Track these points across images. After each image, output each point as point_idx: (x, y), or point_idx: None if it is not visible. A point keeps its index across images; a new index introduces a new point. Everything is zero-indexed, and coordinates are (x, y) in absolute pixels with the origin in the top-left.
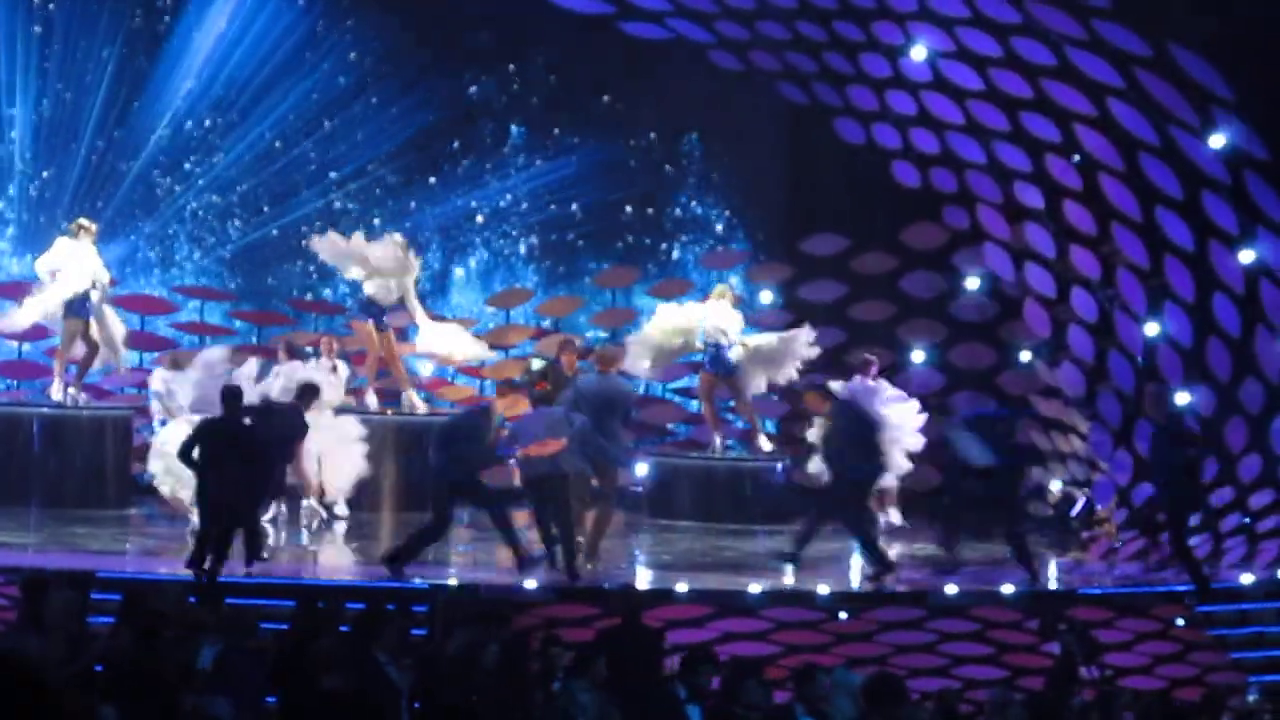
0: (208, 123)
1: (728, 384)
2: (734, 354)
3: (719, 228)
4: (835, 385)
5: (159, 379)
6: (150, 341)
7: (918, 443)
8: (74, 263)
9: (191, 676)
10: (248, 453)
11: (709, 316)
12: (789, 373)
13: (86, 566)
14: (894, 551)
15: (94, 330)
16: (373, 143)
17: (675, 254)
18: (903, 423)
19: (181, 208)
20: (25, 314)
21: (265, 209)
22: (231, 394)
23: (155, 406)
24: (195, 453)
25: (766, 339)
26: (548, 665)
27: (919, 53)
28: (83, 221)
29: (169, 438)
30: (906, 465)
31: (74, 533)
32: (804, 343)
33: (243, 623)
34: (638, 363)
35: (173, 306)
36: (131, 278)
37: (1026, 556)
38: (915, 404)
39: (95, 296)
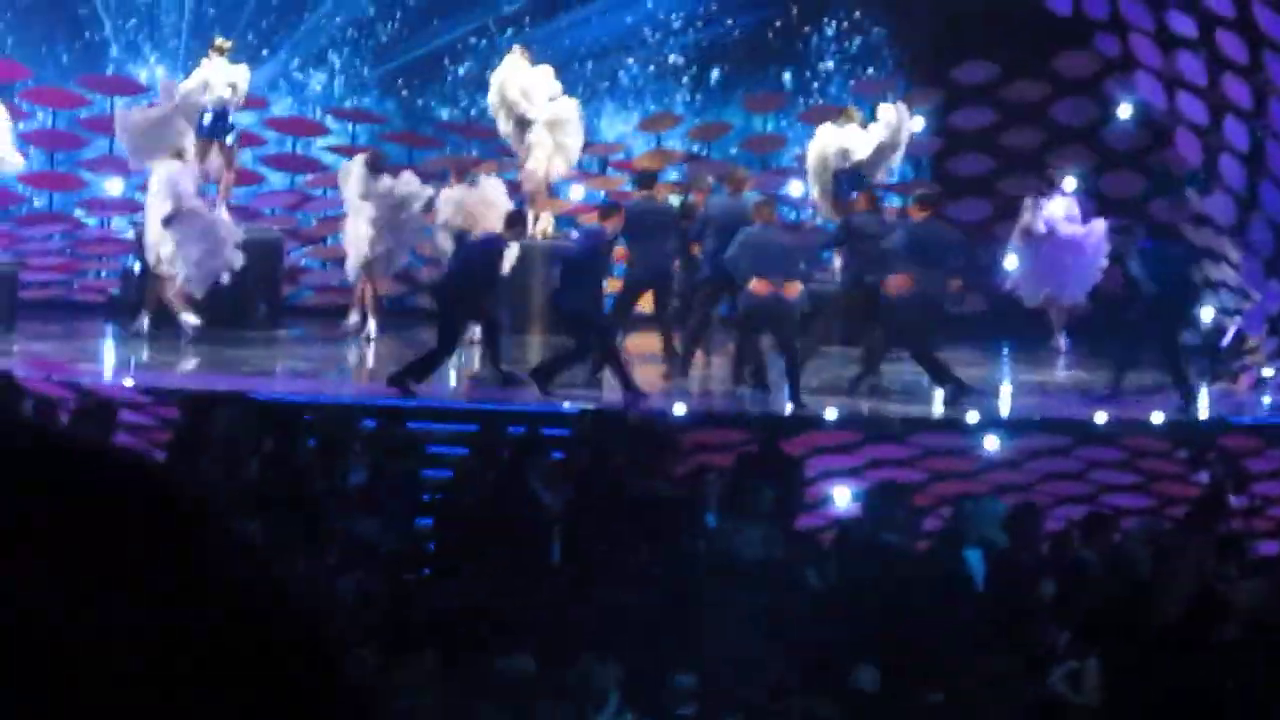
0: None
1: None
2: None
3: (871, 54)
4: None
5: None
6: (302, 164)
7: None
8: (196, 82)
9: (339, 496)
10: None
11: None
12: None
13: (239, 388)
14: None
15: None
16: None
17: (826, 81)
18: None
19: (333, 28)
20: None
21: (412, 31)
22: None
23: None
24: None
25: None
26: (697, 495)
27: None
28: (217, 40)
29: None
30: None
31: (224, 354)
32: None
33: (395, 445)
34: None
35: (324, 129)
36: (284, 98)
37: (1184, 382)
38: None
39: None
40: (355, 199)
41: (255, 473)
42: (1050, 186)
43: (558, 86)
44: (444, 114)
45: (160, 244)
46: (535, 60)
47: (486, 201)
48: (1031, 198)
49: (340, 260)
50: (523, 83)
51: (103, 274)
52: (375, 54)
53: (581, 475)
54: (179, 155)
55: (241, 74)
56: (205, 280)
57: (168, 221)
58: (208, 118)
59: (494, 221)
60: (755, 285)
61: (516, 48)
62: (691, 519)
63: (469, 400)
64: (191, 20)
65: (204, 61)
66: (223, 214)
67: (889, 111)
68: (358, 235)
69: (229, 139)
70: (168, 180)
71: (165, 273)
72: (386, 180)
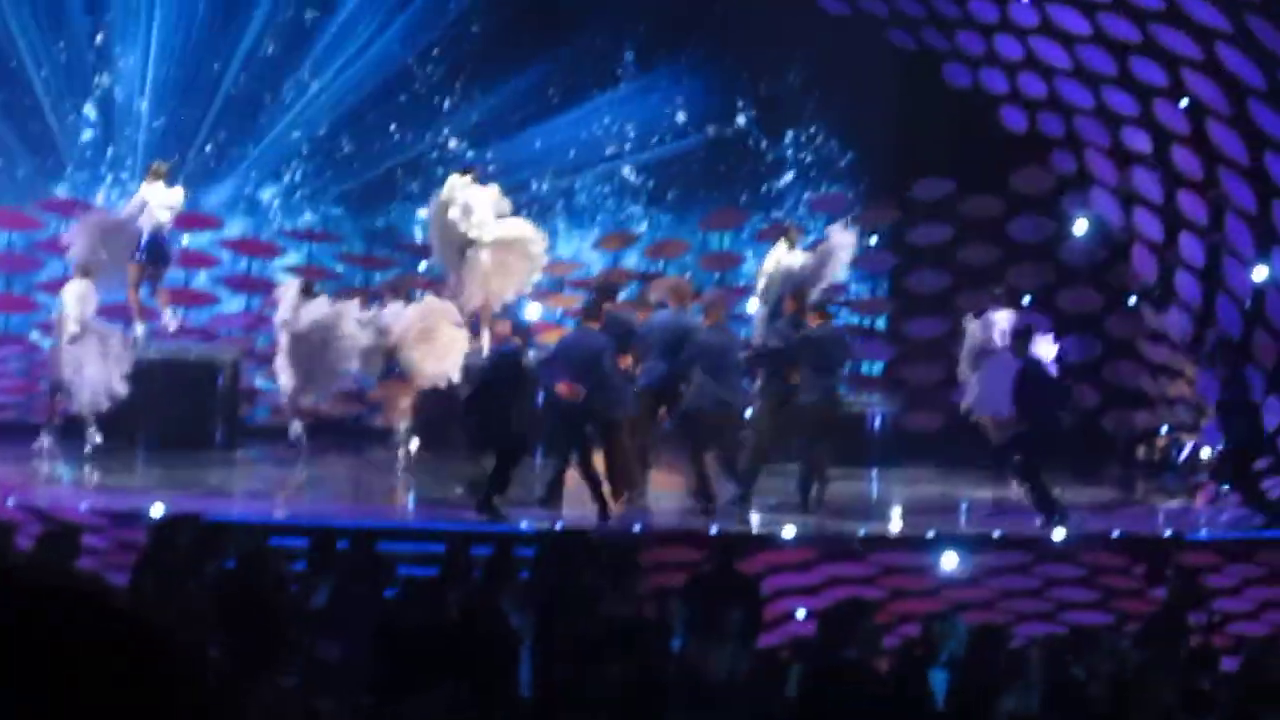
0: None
1: None
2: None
3: (827, 172)
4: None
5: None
6: (258, 285)
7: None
8: (135, 205)
9: (304, 616)
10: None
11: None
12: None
13: (194, 509)
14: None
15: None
16: (479, 83)
17: (783, 198)
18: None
19: (290, 151)
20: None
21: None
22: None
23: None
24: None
25: (799, 258)
26: (664, 619)
27: None
28: (154, 164)
29: None
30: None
31: (179, 474)
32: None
33: (359, 565)
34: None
35: (279, 249)
36: (240, 218)
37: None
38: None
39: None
40: (279, 321)
41: (216, 594)
42: (994, 303)
43: (507, 205)
44: (404, 233)
45: (66, 361)
46: (484, 179)
47: (435, 317)
48: (975, 316)
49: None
50: (466, 201)
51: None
52: (333, 172)
53: (548, 597)
54: (86, 274)
55: (178, 197)
56: (95, 402)
57: (71, 340)
58: (142, 239)
59: (445, 339)
60: (700, 384)
61: (463, 173)
62: (660, 641)
63: (436, 520)
64: (147, 139)
65: (143, 185)
66: (135, 332)
67: (836, 231)
68: (281, 357)
69: (165, 263)
70: (74, 298)
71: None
72: (312, 305)
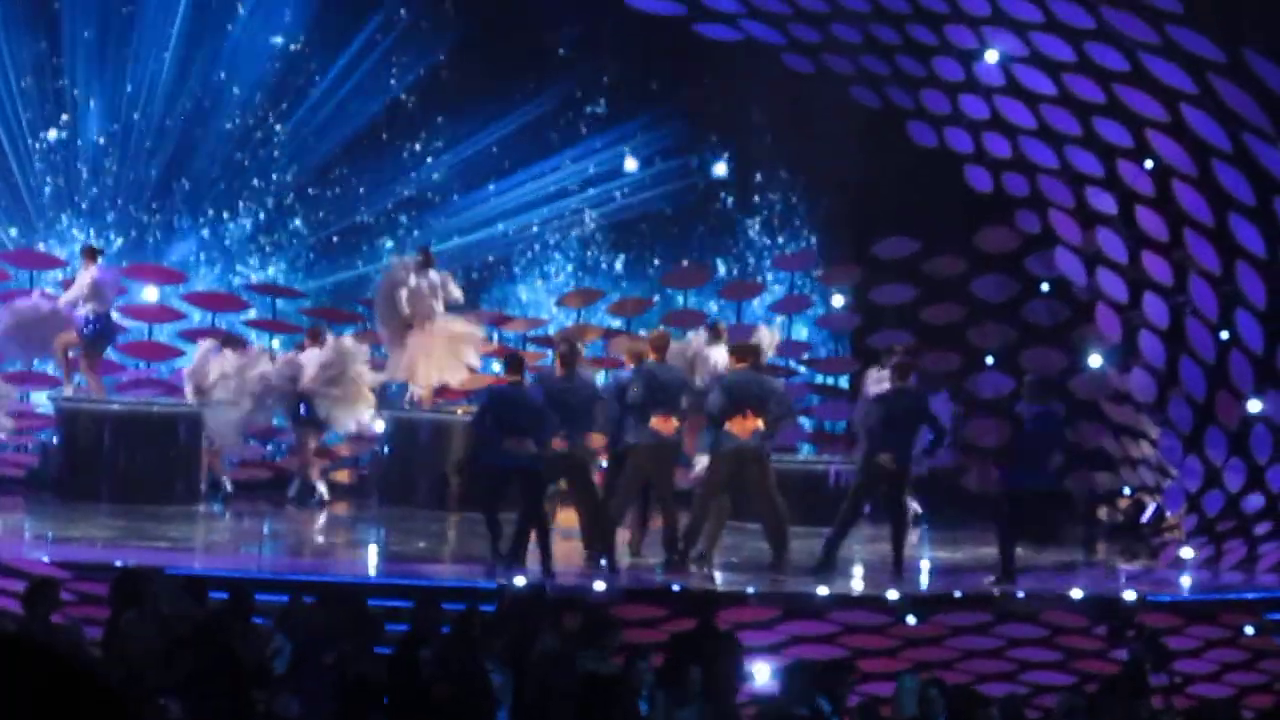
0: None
1: None
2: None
3: (791, 230)
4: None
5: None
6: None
7: None
8: (77, 291)
9: (264, 675)
10: None
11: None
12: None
13: (158, 562)
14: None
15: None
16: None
17: (747, 255)
18: None
19: (255, 200)
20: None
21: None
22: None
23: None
24: None
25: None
26: (633, 679)
27: (992, 56)
28: (89, 245)
29: None
30: None
31: (144, 528)
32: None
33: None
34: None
35: (244, 303)
36: (203, 272)
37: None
38: None
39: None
40: (186, 374)
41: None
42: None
43: (457, 293)
44: (366, 289)
45: None
46: (438, 263)
47: (344, 360)
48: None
49: (263, 435)
50: (416, 284)
51: (24, 448)
52: (300, 224)
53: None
54: None
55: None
56: None
57: None
58: (88, 325)
59: (352, 383)
60: (654, 423)
61: (420, 253)
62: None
63: (404, 576)
64: (112, 188)
65: (79, 269)
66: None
67: (763, 333)
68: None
69: (105, 346)
70: None
71: None
72: (222, 358)
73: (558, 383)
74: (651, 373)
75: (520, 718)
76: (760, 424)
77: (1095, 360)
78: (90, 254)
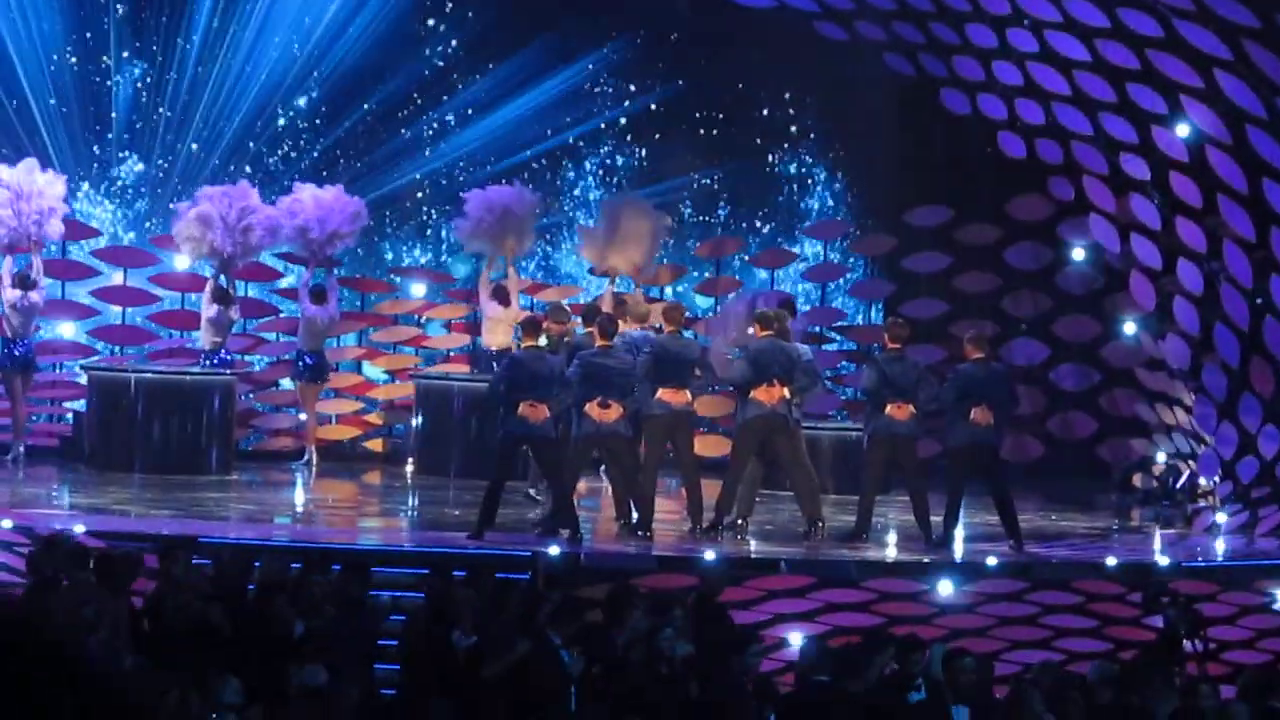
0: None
1: None
2: None
3: (824, 198)
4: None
5: None
6: (255, 308)
7: None
8: None
9: (292, 645)
10: None
11: None
12: None
13: (190, 532)
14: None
15: None
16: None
17: (779, 224)
18: None
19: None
20: None
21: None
22: None
23: None
24: None
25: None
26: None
27: (1025, 24)
28: (18, 272)
29: None
30: None
31: (177, 498)
32: None
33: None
34: None
35: (278, 272)
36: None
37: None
38: None
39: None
40: None
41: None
42: None
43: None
44: (403, 258)
45: None
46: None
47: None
48: None
49: (294, 404)
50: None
51: (55, 418)
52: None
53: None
54: None
55: (39, 300)
56: None
57: None
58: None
59: None
60: (663, 394)
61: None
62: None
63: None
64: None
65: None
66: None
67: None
68: None
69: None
70: None
71: None
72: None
73: (596, 355)
74: (663, 345)
75: (589, 697)
76: (786, 393)
77: (1129, 328)
78: (21, 281)
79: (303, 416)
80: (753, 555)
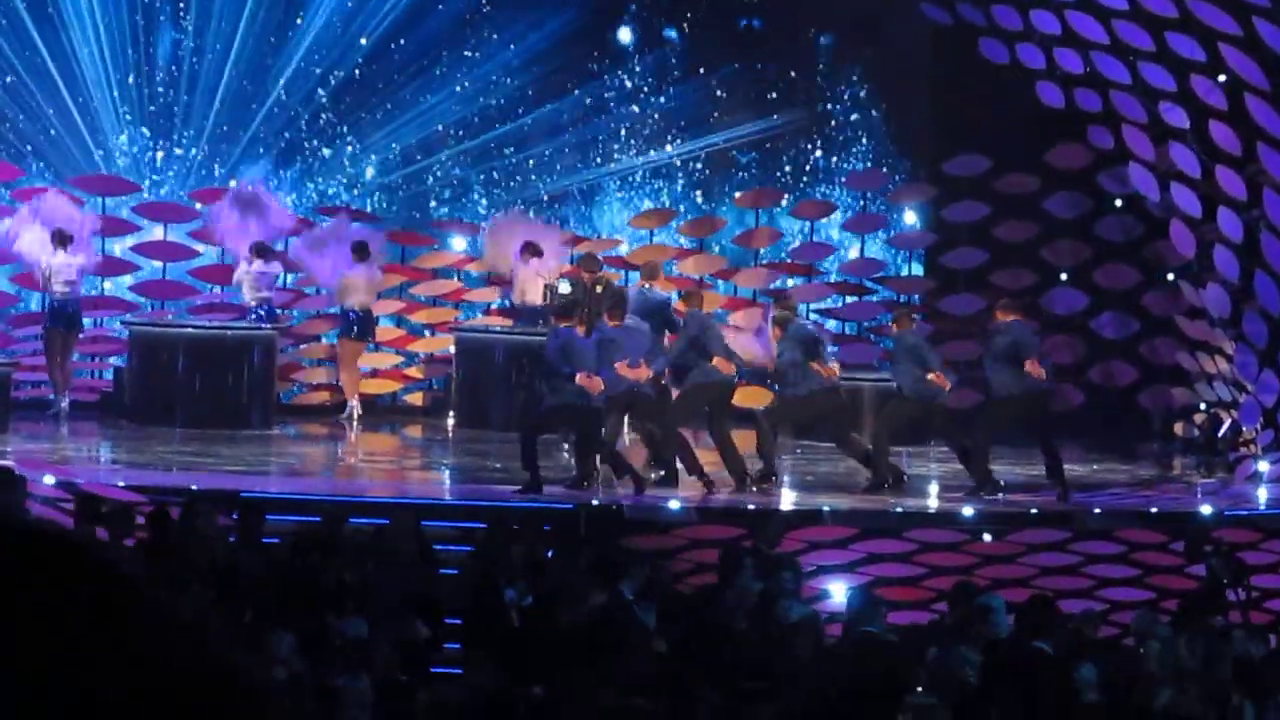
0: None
1: None
2: None
3: (863, 149)
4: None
5: None
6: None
7: None
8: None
9: (331, 596)
10: None
11: None
12: None
13: (232, 486)
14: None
15: None
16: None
17: (819, 174)
18: None
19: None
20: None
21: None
22: None
23: None
24: None
25: None
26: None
27: None
28: (57, 229)
29: None
30: None
31: (220, 453)
32: None
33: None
34: None
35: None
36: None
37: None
38: None
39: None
40: None
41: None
42: None
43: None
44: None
45: None
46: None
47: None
48: None
49: (333, 358)
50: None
51: (96, 374)
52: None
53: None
54: None
55: (81, 263)
56: None
57: None
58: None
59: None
60: (716, 361)
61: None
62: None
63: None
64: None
65: (44, 255)
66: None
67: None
68: None
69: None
70: None
71: None
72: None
73: (610, 332)
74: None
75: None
76: (838, 369)
77: (1169, 276)
78: (59, 239)
79: (341, 374)
80: (795, 507)
